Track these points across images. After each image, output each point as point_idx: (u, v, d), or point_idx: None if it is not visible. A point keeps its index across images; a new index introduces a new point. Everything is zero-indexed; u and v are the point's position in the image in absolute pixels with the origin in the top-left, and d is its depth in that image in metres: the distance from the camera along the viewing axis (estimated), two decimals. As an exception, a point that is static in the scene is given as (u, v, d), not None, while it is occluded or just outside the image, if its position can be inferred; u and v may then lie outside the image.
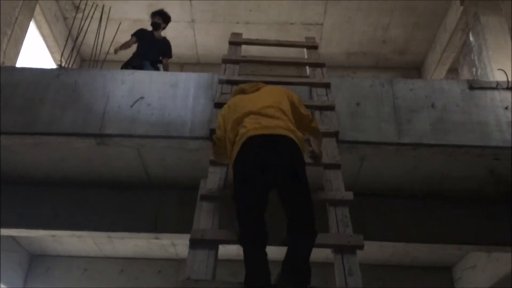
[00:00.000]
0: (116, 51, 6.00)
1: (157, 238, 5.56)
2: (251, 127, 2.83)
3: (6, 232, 5.33)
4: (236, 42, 4.95)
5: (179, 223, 5.01)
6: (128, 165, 5.03)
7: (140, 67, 5.56)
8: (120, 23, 6.97)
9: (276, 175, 2.72)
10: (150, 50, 5.88)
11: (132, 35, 6.05)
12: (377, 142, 4.02)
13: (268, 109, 2.94)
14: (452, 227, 5.07)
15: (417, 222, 5.12)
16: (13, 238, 7.37)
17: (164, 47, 6.03)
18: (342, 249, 2.80)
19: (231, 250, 7.35)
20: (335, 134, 3.72)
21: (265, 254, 2.61)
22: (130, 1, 7.39)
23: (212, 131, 3.76)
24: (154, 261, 8.07)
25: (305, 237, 2.65)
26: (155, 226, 5.16)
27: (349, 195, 3.14)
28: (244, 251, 2.63)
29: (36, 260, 8.04)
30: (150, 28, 6.10)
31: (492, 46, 5.97)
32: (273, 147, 2.76)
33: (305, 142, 3.10)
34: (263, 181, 2.72)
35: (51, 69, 4.71)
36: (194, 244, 2.78)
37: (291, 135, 2.83)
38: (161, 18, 6.03)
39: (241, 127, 2.87)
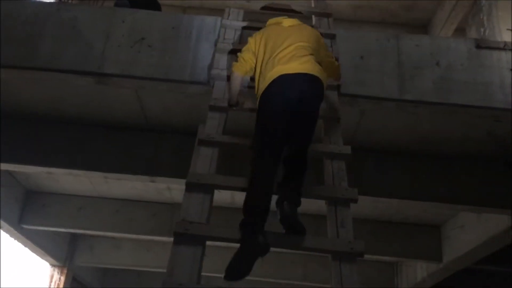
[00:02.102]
0: None
1: (153, 181, 5.59)
2: (286, 64, 2.97)
3: (2, 166, 5.35)
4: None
5: (175, 168, 5.04)
6: (126, 107, 5.00)
7: None
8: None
9: (300, 111, 2.90)
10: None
11: None
12: (378, 97, 3.98)
13: (303, 48, 3.08)
14: (446, 187, 5.12)
15: (413, 180, 5.17)
16: (9, 173, 7.41)
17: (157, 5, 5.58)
18: (336, 202, 2.83)
19: (226, 198, 7.47)
20: (337, 87, 3.68)
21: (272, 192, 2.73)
22: None
23: (213, 76, 3.72)
24: (149, 204, 8.17)
25: (301, 162, 2.89)
26: (151, 169, 5.19)
27: (347, 149, 3.14)
28: (254, 178, 2.74)
29: (32, 196, 8.12)
30: None
31: (503, 6, 5.84)
32: (303, 85, 2.92)
33: None
34: (285, 115, 2.88)
35: (51, 3, 4.59)
36: (190, 187, 2.80)
37: (321, 77, 3.00)
38: None
39: (276, 61, 3.01)
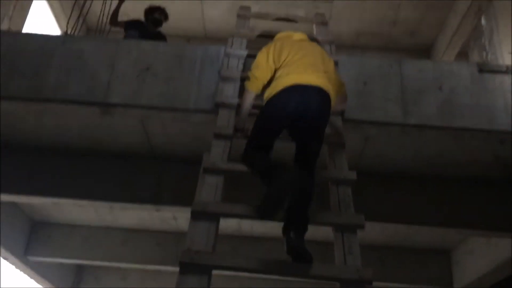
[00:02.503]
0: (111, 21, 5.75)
1: (158, 210, 5.58)
2: (296, 76, 3.07)
3: (8, 198, 5.35)
4: (244, 15, 4.89)
5: (180, 196, 5.02)
6: (131, 136, 5.01)
7: None
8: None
9: (304, 123, 3.02)
10: None
11: (125, 23, 5.80)
12: (382, 122, 3.99)
13: (314, 63, 3.20)
14: (454, 211, 5.06)
15: (419, 204, 5.12)
16: (15, 204, 7.42)
17: (162, 40, 5.80)
18: (343, 228, 2.81)
19: (232, 226, 7.43)
20: (340, 113, 3.69)
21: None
22: (138, -30, 7.28)
23: (217, 105, 3.75)
24: (155, 233, 8.13)
25: (307, 178, 2.93)
26: (156, 198, 5.17)
27: (352, 175, 3.13)
28: (250, 155, 3.02)
29: (38, 227, 8.11)
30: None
31: (504, 31, 5.89)
32: (314, 97, 3.03)
33: None
34: (287, 121, 3.04)
35: (57, 36, 4.67)
36: (196, 216, 2.79)
37: (331, 96, 3.15)
38: (162, 15, 5.80)
39: (286, 71, 3.13)
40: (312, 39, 3.83)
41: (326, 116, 3.15)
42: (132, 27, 5.74)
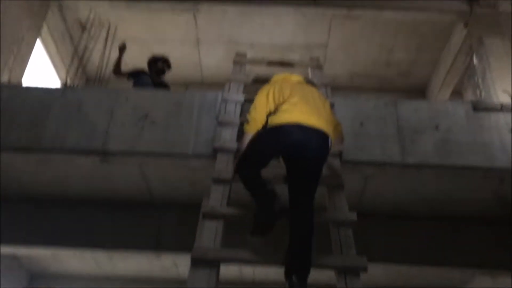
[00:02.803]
0: (120, 50, 5.82)
1: (158, 258, 5.50)
2: (297, 115, 3.14)
3: (6, 249, 5.29)
4: (240, 61, 4.99)
5: (181, 242, 4.96)
6: (130, 183, 5.01)
7: None
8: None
9: (303, 161, 3.05)
10: None
11: (129, 74, 5.87)
12: (380, 163, 4.01)
13: (314, 105, 3.27)
14: (456, 250, 5.00)
15: (421, 244, 5.06)
16: (13, 256, 7.31)
17: (166, 88, 5.91)
18: (346, 271, 2.78)
19: (233, 272, 7.31)
20: (338, 154, 3.71)
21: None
22: (136, 22, 7.46)
23: (216, 149, 3.77)
24: (155, 281, 7.98)
25: (306, 215, 2.93)
26: (156, 245, 5.12)
27: (353, 216, 3.12)
28: (241, 175, 3.11)
29: (36, 279, 7.95)
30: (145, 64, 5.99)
31: (496, 69, 5.99)
32: (313, 137, 3.09)
33: None
34: (283, 150, 3.12)
35: (57, 89, 4.75)
36: (196, 262, 2.76)
37: (329, 134, 3.20)
38: (165, 64, 5.92)
39: (297, 108, 3.18)
40: (308, 81, 3.90)
41: (324, 156, 3.19)
42: (136, 76, 5.82)
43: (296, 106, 3.21)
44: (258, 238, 2.88)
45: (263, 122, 3.31)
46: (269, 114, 3.28)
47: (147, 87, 5.59)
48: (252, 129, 3.36)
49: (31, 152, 4.07)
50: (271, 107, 3.30)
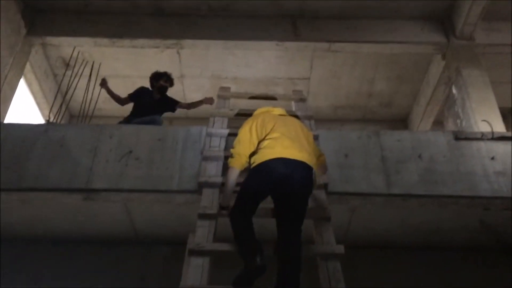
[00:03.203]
0: (102, 86, 5.81)
1: (144, 297, 5.38)
2: (281, 149, 3.19)
3: (-13, 292, 5.13)
4: (224, 96, 5.02)
5: (166, 281, 4.86)
6: (115, 220, 4.94)
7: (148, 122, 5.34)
8: (109, 79, 7.04)
9: (288, 195, 3.11)
10: (151, 109, 5.66)
11: (130, 95, 5.90)
12: (366, 194, 4.03)
13: (296, 138, 3.32)
14: (445, 279, 4.98)
15: (410, 274, 5.03)
16: (-6, 298, 7.09)
17: (170, 103, 5.92)
18: (335, 305, 2.73)
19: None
20: (324, 186, 3.71)
21: (252, 223, 3.08)
22: (119, 58, 7.51)
23: (201, 184, 3.75)
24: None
25: (295, 247, 2.96)
26: (142, 283, 5.01)
27: (340, 249, 3.10)
28: (233, 222, 3.09)
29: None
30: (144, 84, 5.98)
31: (475, 98, 6.10)
32: (297, 169, 3.14)
33: None
34: (278, 189, 3.13)
35: (39, 125, 4.71)
36: (182, 301, 2.70)
37: (313, 166, 3.24)
38: (168, 81, 5.88)
39: (278, 143, 3.23)
40: (291, 113, 3.94)
41: (309, 188, 3.22)
42: (137, 97, 5.80)
43: (277, 140, 3.24)
44: None
45: (247, 157, 3.33)
46: (252, 153, 3.31)
47: (148, 106, 5.60)
48: (235, 164, 3.35)
49: (13, 192, 4.00)
50: (254, 141, 3.32)
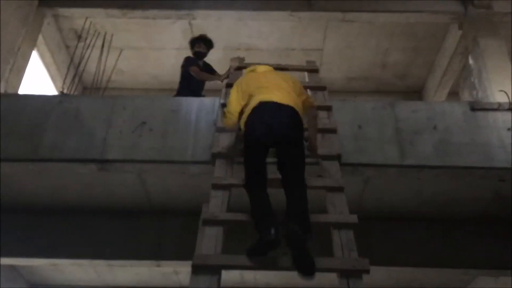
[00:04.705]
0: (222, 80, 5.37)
1: (158, 266, 5.47)
2: (262, 96, 3.34)
3: (5, 261, 5.26)
4: (238, 66, 4.98)
5: (181, 250, 4.92)
6: (129, 191, 5.00)
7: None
8: (122, 51, 7.04)
9: (278, 136, 3.19)
10: (199, 82, 5.51)
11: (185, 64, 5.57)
12: (380, 164, 4.00)
13: (277, 85, 3.45)
14: (459, 251, 4.99)
15: (423, 246, 5.05)
16: (13, 267, 7.27)
17: (212, 71, 5.69)
18: (348, 274, 2.75)
19: (235, 278, 7.28)
20: (337, 157, 3.70)
21: (267, 195, 3.05)
22: (131, 29, 7.47)
23: (214, 155, 3.76)
24: (156, 289, 7.95)
25: (298, 188, 3.06)
26: (157, 253, 5.09)
27: (353, 218, 3.10)
28: (249, 195, 3.08)
29: (36, 290, 7.92)
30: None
31: (492, 69, 5.99)
32: (279, 112, 3.24)
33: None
34: (267, 138, 3.19)
35: (54, 96, 4.75)
36: (197, 269, 2.74)
37: (296, 107, 3.33)
38: (205, 46, 5.63)
39: (253, 97, 3.38)
40: (278, 68, 4.09)
41: (297, 125, 3.30)
42: (191, 63, 5.52)
43: (257, 92, 3.41)
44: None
45: (237, 113, 3.50)
46: (240, 118, 3.46)
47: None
48: (228, 123, 3.59)
49: (30, 162, 4.05)
50: (240, 100, 3.50)
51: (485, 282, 6.86)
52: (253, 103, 3.33)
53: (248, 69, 3.95)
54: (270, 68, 3.86)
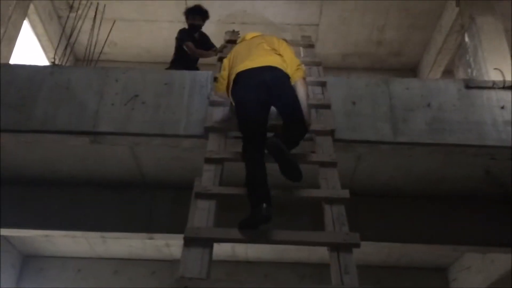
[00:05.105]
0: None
1: (151, 238, 5.51)
2: (247, 63, 3.47)
3: (-2, 232, 5.27)
4: (232, 40, 4.93)
5: (173, 223, 4.97)
6: (122, 164, 4.99)
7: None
8: (114, 22, 6.92)
9: (269, 95, 3.33)
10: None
11: (180, 36, 5.52)
12: (373, 141, 4.00)
13: (262, 48, 3.60)
14: (448, 228, 5.06)
15: (413, 222, 5.10)
16: (5, 238, 7.29)
17: (207, 42, 5.63)
18: (338, 247, 2.78)
19: (226, 251, 7.35)
20: (330, 133, 3.70)
21: (264, 164, 3.11)
22: (124, 1, 7.35)
23: (207, 129, 3.75)
24: (148, 262, 8.02)
25: (297, 125, 3.31)
26: (149, 226, 5.12)
27: (345, 193, 3.12)
28: (246, 159, 3.15)
29: (29, 261, 7.97)
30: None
31: (488, 47, 5.97)
32: (265, 73, 3.40)
33: None
34: (257, 98, 3.31)
35: (45, 66, 4.67)
36: (188, 242, 2.75)
37: (280, 67, 3.47)
38: (200, 17, 5.53)
39: (239, 65, 3.51)
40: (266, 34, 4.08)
41: (283, 80, 3.44)
42: (185, 37, 5.47)
43: (241, 59, 3.55)
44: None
45: (227, 79, 3.62)
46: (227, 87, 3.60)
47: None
48: (219, 88, 3.71)
49: (20, 133, 4.01)
50: (229, 68, 3.63)
51: (473, 259, 6.98)
52: (233, 75, 3.48)
53: (240, 37, 4.14)
54: (258, 33, 3.95)
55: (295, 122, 3.32)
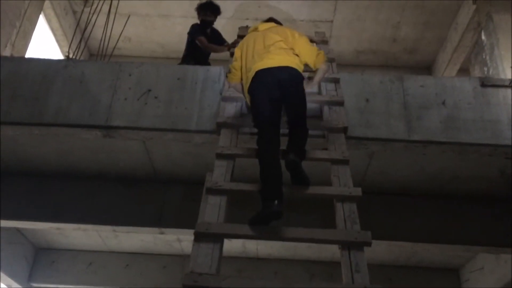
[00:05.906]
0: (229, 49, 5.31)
1: (162, 233, 5.52)
2: (266, 61, 3.43)
3: (10, 224, 5.32)
4: (244, 35, 4.90)
5: (184, 218, 4.97)
6: (134, 159, 5.00)
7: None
8: (129, 17, 6.93)
9: (282, 93, 3.35)
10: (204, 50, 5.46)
11: (192, 32, 5.52)
12: (386, 139, 3.96)
13: (274, 46, 3.54)
14: (460, 228, 5.00)
15: (425, 222, 5.05)
16: (18, 230, 7.37)
17: (219, 38, 5.64)
18: (350, 246, 2.75)
19: (237, 247, 7.35)
20: (343, 130, 3.66)
21: (279, 159, 3.12)
22: (139, -5, 7.37)
23: (219, 125, 3.73)
24: (159, 256, 8.05)
25: (301, 128, 3.35)
26: (160, 220, 5.14)
27: (357, 191, 3.08)
28: (260, 153, 3.16)
29: (41, 253, 8.04)
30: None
31: (505, 45, 5.87)
32: (282, 72, 3.39)
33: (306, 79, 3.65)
34: (272, 96, 3.33)
35: (59, 60, 4.69)
36: (199, 237, 2.74)
37: (293, 65, 3.45)
38: (212, 13, 5.52)
39: (252, 62, 3.48)
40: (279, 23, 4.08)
41: (295, 79, 3.43)
42: (198, 32, 5.49)
43: (258, 55, 3.50)
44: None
45: (240, 70, 3.60)
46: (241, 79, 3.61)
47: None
48: (232, 79, 3.67)
49: (33, 126, 4.04)
50: (242, 58, 3.62)
51: (486, 259, 6.90)
52: (252, 71, 3.43)
53: (250, 28, 4.01)
54: (272, 24, 3.89)
55: (295, 126, 3.37)
